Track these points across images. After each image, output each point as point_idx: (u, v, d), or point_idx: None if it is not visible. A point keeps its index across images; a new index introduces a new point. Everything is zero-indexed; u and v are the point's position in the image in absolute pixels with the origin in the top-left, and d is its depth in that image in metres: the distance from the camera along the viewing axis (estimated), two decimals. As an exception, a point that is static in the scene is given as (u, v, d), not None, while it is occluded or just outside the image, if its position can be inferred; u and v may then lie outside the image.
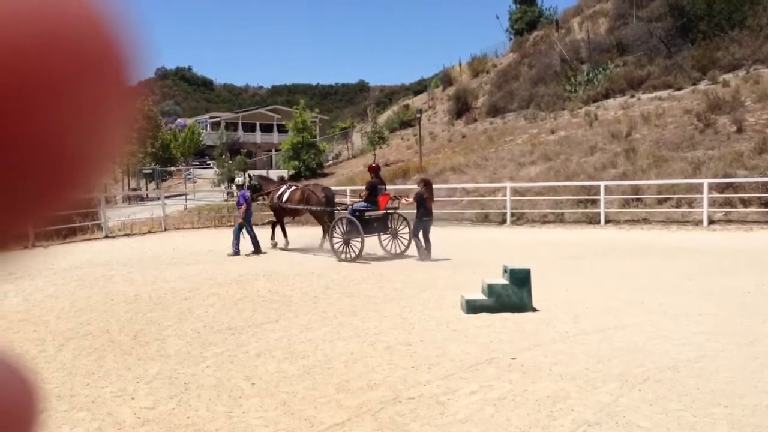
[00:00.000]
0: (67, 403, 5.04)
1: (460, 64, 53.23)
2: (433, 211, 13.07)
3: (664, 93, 28.60)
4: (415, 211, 12.85)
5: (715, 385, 4.98)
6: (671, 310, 7.60)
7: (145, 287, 10.28)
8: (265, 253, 14.16)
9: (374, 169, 14.26)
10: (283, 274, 11.18)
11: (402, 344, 6.49)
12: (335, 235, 13.09)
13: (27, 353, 6.54)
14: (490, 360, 5.83)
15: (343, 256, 12.93)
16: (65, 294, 9.89)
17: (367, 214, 13.11)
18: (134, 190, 44.01)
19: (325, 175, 37.70)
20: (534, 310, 7.74)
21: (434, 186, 13.83)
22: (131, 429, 4.51)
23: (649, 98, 28.65)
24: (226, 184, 40.83)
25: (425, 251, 12.65)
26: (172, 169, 55.96)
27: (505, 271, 8.01)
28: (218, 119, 70.05)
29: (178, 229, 15.14)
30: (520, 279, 7.76)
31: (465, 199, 21.49)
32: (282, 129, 56.38)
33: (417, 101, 55.11)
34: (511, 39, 50.84)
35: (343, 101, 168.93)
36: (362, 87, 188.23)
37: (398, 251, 13.51)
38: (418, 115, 33.42)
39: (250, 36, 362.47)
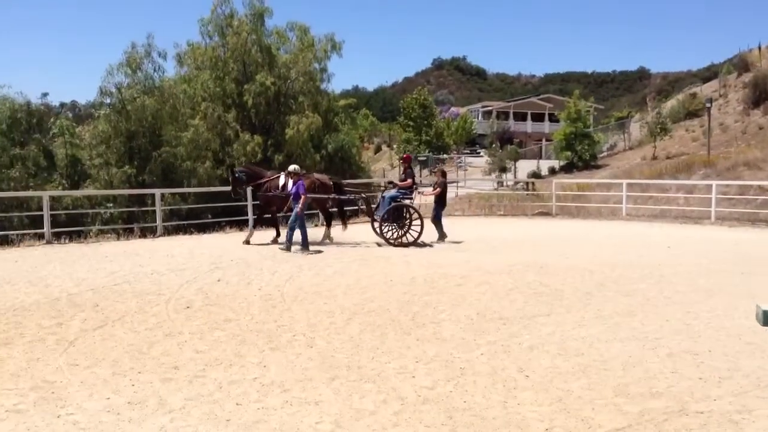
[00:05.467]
0: (356, 373, 5.49)
1: (759, 48, 47.65)
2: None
3: None
4: (439, 199, 14.93)
5: None
6: None
7: (420, 270, 10.78)
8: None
9: (408, 160, 15.98)
10: (553, 267, 11.01)
11: (687, 352, 6.04)
12: (386, 222, 14.18)
13: (320, 323, 7.25)
14: (794, 382, 5.19)
15: (394, 241, 14.01)
16: (350, 272, 10.76)
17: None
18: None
19: (598, 167, 36.34)
20: None
21: (724, 182, 13.14)
22: (413, 405, 4.77)
23: None
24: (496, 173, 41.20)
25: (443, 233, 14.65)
26: (445, 156, 57.99)
27: (815, 283, 7.05)
28: (490, 108, 70.99)
29: (447, 216, 15.64)
30: (834, 293, 6.78)
31: (760, 198, 19.28)
32: (553, 118, 55.46)
33: (706, 89, 50.54)
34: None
35: (620, 89, 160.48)
36: (642, 74, 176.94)
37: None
38: (708, 105, 30.74)
39: (523, 24, 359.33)
